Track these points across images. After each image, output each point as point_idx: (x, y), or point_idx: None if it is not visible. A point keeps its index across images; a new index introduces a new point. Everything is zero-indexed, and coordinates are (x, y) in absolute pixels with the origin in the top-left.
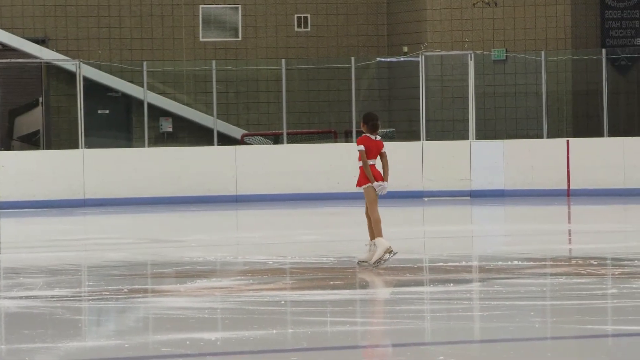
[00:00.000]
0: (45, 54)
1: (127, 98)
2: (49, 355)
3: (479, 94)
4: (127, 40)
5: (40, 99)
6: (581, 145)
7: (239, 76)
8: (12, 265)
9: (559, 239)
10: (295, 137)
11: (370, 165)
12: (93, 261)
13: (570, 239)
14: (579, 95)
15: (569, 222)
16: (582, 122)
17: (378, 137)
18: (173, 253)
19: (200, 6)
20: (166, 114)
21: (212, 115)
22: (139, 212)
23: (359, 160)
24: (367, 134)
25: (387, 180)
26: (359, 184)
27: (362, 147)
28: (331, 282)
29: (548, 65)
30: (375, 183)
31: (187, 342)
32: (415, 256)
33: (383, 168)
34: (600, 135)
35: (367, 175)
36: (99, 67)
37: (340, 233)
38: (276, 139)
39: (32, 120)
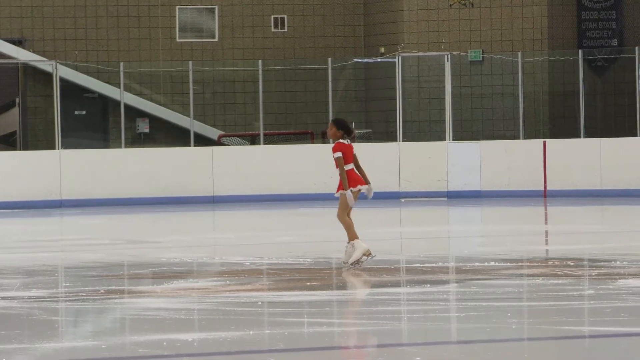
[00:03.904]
0: (22, 55)
1: (103, 99)
2: (25, 356)
3: (456, 95)
4: (104, 41)
5: (17, 100)
6: (558, 146)
7: (215, 77)
8: None
9: (536, 240)
10: (272, 138)
11: (349, 170)
12: (70, 262)
13: (547, 240)
14: (555, 96)
15: (546, 223)
16: (558, 123)
17: (348, 141)
18: (150, 254)
19: (177, 7)
20: (143, 114)
21: (188, 116)
22: (116, 212)
23: (337, 167)
24: (341, 140)
25: (369, 182)
26: (338, 191)
27: (339, 154)
28: (308, 283)
29: (525, 66)
30: (364, 187)
31: (164, 343)
32: (392, 257)
33: (359, 170)
34: (577, 136)
35: (343, 183)
36: (76, 68)
37: (317, 234)
38: (253, 140)
39: (9, 121)
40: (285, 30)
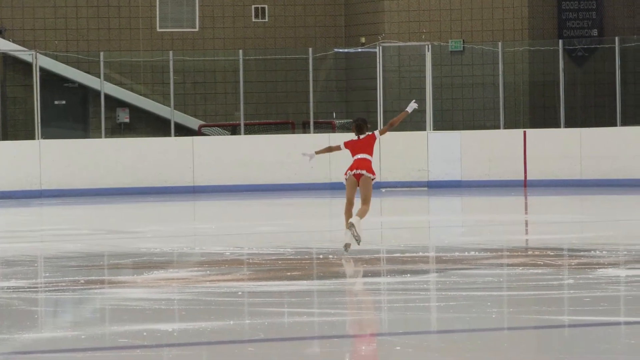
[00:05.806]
0: (2, 45)
1: (83, 89)
2: (4, 346)
3: (436, 85)
4: (84, 30)
5: None
6: (538, 136)
7: (196, 67)
8: None
9: (516, 230)
10: (253, 128)
11: (356, 159)
12: (49, 252)
13: (527, 230)
14: (535, 86)
15: (526, 213)
16: (538, 113)
17: (362, 136)
18: (130, 244)
19: None
20: (123, 104)
21: (169, 106)
22: (96, 202)
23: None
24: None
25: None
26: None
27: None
28: (288, 273)
29: (505, 56)
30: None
31: (144, 333)
32: (373, 247)
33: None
34: (557, 126)
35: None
36: (56, 58)
37: (297, 224)
38: (233, 130)
39: None
40: (266, 20)
